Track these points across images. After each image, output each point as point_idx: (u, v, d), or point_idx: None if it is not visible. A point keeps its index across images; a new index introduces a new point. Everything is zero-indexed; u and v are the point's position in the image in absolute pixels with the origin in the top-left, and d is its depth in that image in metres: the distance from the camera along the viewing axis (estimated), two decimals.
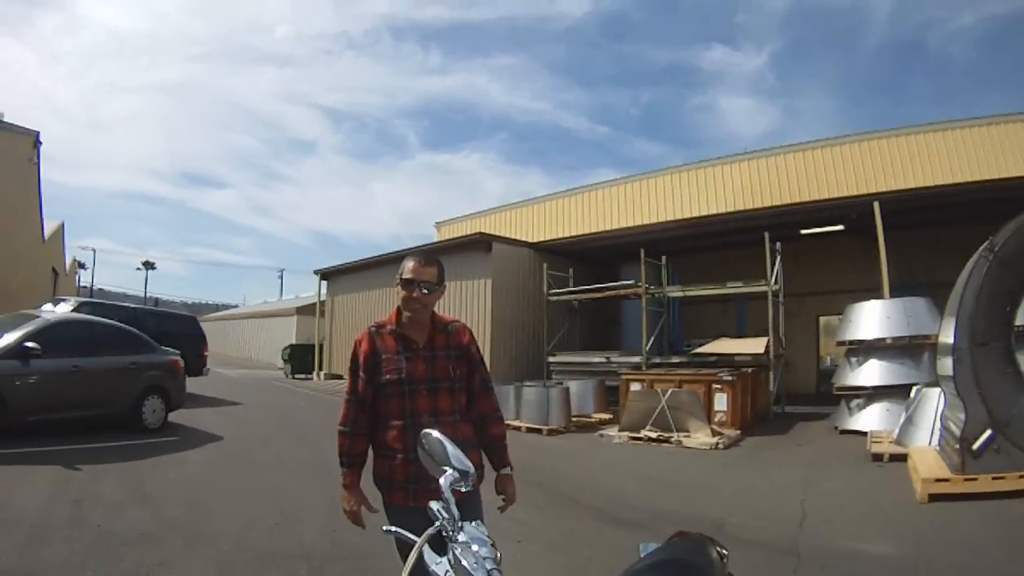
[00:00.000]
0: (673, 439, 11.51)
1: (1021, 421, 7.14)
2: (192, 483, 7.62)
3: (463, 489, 1.76)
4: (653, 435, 11.76)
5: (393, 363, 2.90)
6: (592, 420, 14.33)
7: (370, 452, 2.99)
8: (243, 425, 12.69)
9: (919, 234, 16.09)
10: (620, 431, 12.34)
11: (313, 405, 17.50)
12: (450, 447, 1.82)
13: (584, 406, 14.74)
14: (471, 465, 1.82)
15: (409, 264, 2.92)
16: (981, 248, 7.74)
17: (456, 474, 1.76)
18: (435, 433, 1.89)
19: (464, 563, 1.49)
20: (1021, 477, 6.87)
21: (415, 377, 2.89)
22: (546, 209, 25.63)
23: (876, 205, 13.89)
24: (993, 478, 6.90)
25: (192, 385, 13.56)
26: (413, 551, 1.57)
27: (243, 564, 4.96)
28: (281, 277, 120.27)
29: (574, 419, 13.82)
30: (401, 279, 2.91)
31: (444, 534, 1.60)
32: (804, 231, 17.37)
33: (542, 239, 22.74)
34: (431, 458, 1.86)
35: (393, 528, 1.92)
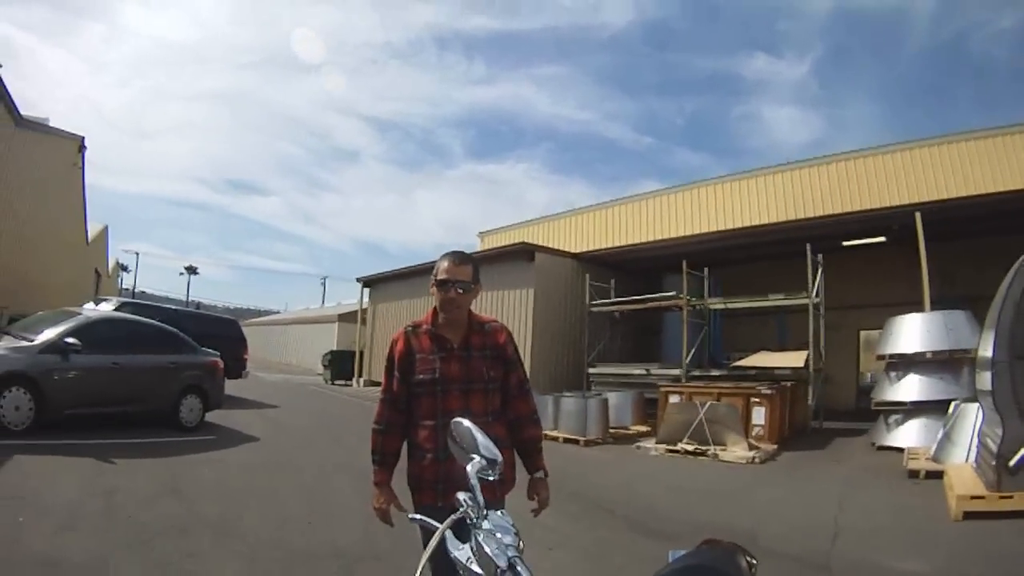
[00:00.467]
0: (710, 452, 11.50)
1: None
2: (226, 481, 7.77)
3: (490, 478, 1.77)
4: (690, 448, 11.75)
5: (427, 363, 2.91)
6: (630, 432, 14.35)
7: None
8: (280, 427, 12.90)
9: (962, 245, 15.75)
10: (657, 443, 12.36)
11: (351, 409, 17.69)
12: (480, 436, 1.83)
13: (622, 418, 14.76)
14: (499, 454, 1.83)
15: (444, 264, 2.92)
16: (1022, 257, 7.62)
17: (483, 462, 1.76)
18: (465, 422, 1.90)
19: (487, 549, 1.50)
20: None
21: (448, 377, 2.90)
22: (589, 220, 25.76)
23: (918, 216, 13.70)
24: None
25: (231, 387, 13.81)
26: (435, 536, 1.59)
27: (272, 561, 5.05)
28: (324, 284, 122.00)
29: (612, 430, 13.85)
30: (436, 279, 2.92)
31: (468, 521, 1.61)
32: (845, 243, 17.17)
33: (584, 250, 22.75)
34: (460, 447, 1.87)
35: (418, 516, 1.97)
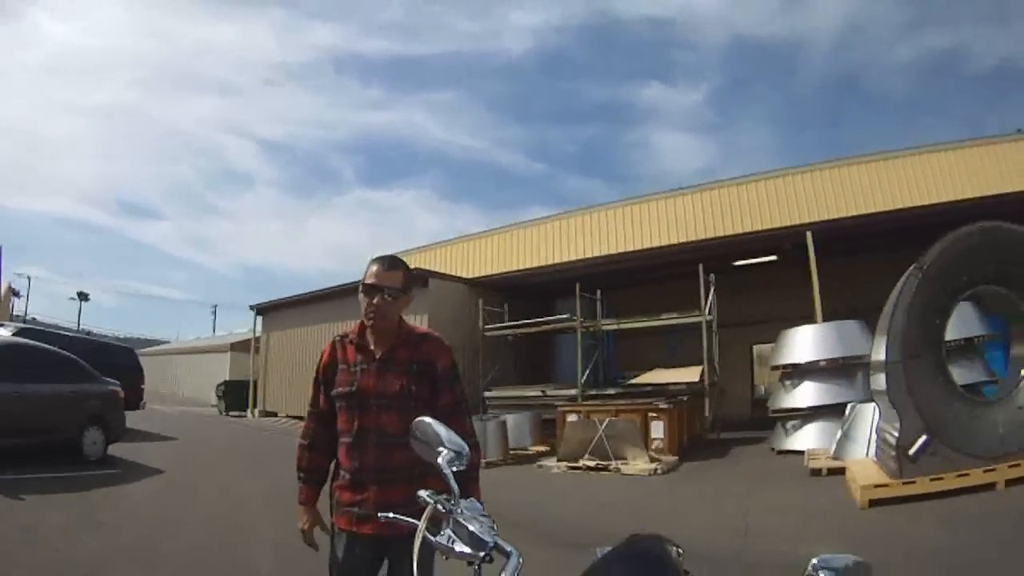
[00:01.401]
0: (612, 467, 11.45)
1: (954, 426, 7.43)
2: (142, 512, 7.59)
3: (455, 468, 1.72)
4: (592, 463, 11.68)
5: (347, 375, 2.69)
6: (529, 452, 14.21)
7: None
8: (184, 458, 12.49)
9: (852, 262, 16.51)
10: (559, 461, 12.25)
11: (250, 439, 17.26)
12: (443, 430, 1.80)
13: (521, 439, 14.60)
14: (465, 445, 1.79)
15: (372, 268, 2.67)
16: (911, 267, 8.08)
17: (451, 453, 1.74)
18: (427, 419, 1.86)
19: (471, 528, 1.50)
20: (959, 476, 7.10)
21: (366, 391, 2.66)
22: (481, 245, 25.63)
23: (809, 235, 14.24)
24: (931, 479, 7.10)
25: (128, 419, 13.03)
26: (417, 533, 1.57)
27: None
28: (215, 312, 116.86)
29: (512, 452, 13.69)
30: (362, 284, 2.67)
31: (444, 508, 1.59)
32: (737, 262, 17.71)
33: (477, 275, 22.65)
34: (423, 443, 1.83)
35: (390, 516, 1.85)
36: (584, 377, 16.66)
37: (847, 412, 10.37)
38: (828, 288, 14.23)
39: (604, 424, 12.10)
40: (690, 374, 15.42)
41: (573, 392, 16.42)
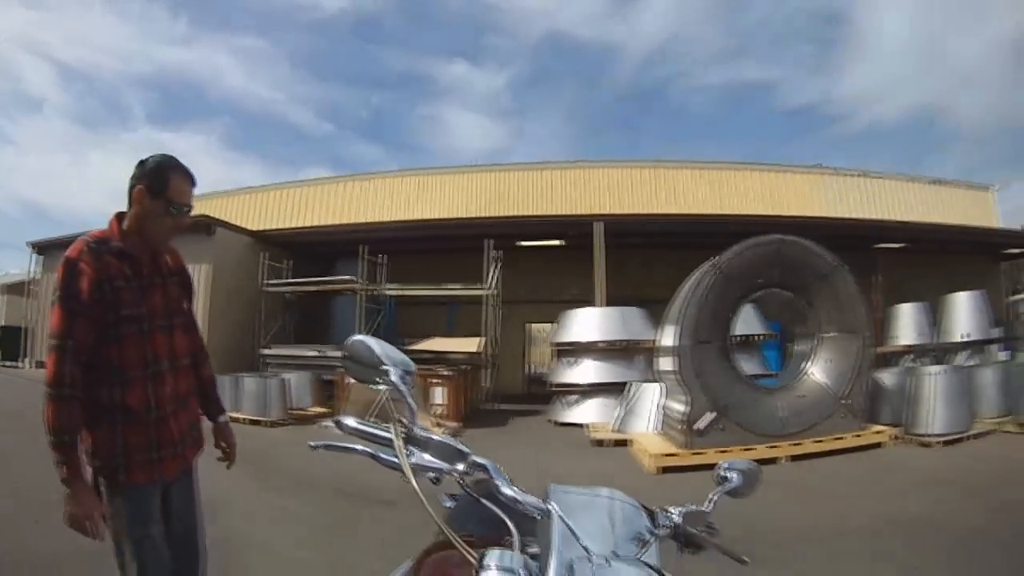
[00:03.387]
0: None
1: (739, 407, 8.48)
2: None
3: (409, 386, 1.47)
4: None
5: (129, 293, 2.28)
6: (309, 413, 13.83)
7: None
8: None
9: (634, 254, 17.91)
10: None
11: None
12: (375, 344, 1.51)
13: (302, 399, 14.18)
14: (409, 361, 1.52)
15: (182, 183, 2.34)
16: (708, 264, 9.06)
17: (400, 370, 1.48)
18: (359, 336, 1.53)
19: (447, 442, 1.37)
20: (745, 450, 8.08)
21: (152, 311, 2.34)
22: (264, 200, 24.48)
23: (596, 225, 15.27)
24: (717, 451, 7.95)
25: None
26: (400, 454, 1.32)
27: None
28: None
29: (292, 412, 13.28)
30: (166, 198, 2.30)
31: (403, 427, 1.39)
32: (522, 243, 18.46)
33: (261, 228, 21.63)
34: (362, 365, 1.51)
35: (321, 443, 1.50)
36: None
37: (630, 390, 11.23)
38: (610, 277, 15.29)
39: (381, 391, 12.07)
40: (470, 344, 15.82)
41: None
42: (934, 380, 9.36)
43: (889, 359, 14.07)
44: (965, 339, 13.14)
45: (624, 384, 11.60)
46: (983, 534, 5.05)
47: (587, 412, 12.69)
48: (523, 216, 18.98)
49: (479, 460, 1.32)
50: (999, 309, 16.30)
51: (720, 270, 8.74)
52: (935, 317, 14.03)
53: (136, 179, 2.30)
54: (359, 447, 1.42)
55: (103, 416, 2.22)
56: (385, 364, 1.46)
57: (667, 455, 8.18)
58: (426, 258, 20.51)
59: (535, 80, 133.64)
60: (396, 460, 1.32)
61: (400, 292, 18.01)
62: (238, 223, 22.21)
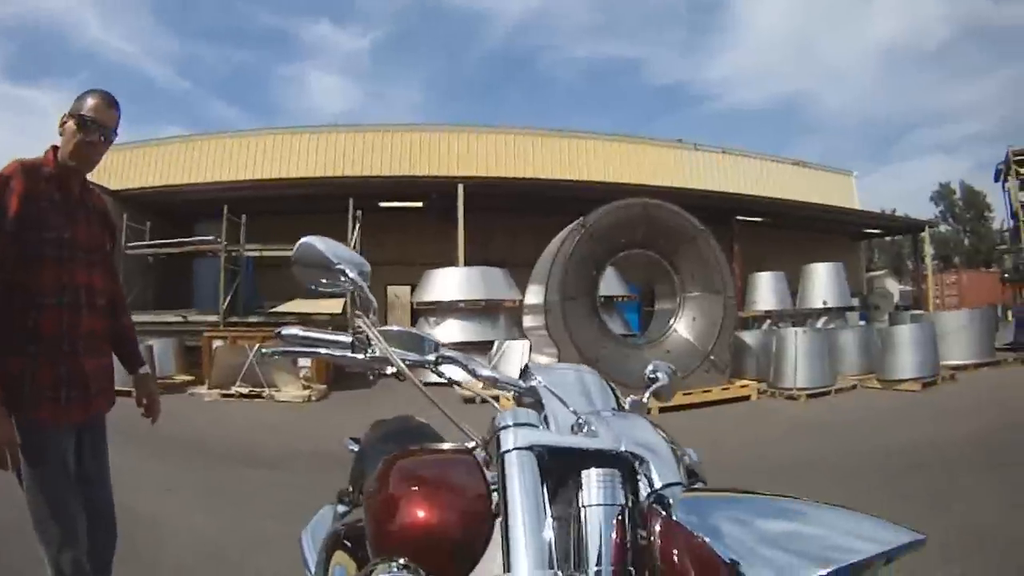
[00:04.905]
0: (265, 394, 11.39)
1: (608, 360, 8.78)
2: None
3: (367, 284, 1.41)
4: (244, 391, 11.47)
5: (56, 216, 2.25)
6: (175, 381, 13.24)
7: None
8: None
9: (497, 218, 18.16)
10: (210, 388, 11.80)
11: None
12: (321, 243, 1.40)
13: (165, 366, 13.53)
14: (364, 260, 1.46)
15: (92, 101, 2.29)
16: (574, 224, 9.48)
17: (356, 268, 1.41)
18: (309, 238, 1.40)
19: (417, 331, 1.42)
20: None
21: (76, 241, 2.31)
22: (123, 158, 22.97)
23: (460, 187, 15.39)
24: None
25: None
26: (391, 355, 1.31)
27: None
28: None
29: (158, 381, 12.68)
30: (80, 117, 2.27)
31: (364, 326, 1.36)
32: (383, 203, 18.38)
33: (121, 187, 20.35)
34: (314, 268, 1.39)
35: (276, 350, 1.43)
36: (226, 303, 16.10)
37: (496, 348, 11.60)
38: (471, 239, 15.56)
39: (255, 350, 11.95)
40: (334, 306, 15.73)
41: (215, 318, 15.69)
42: (796, 337, 10.12)
43: (749, 324, 14.93)
44: (824, 305, 14.33)
45: (490, 343, 11.96)
46: (859, 472, 5.61)
47: (452, 371, 12.83)
48: (385, 176, 18.84)
49: (449, 353, 1.37)
50: (858, 283, 18.26)
51: (587, 229, 9.16)
52: (795, 287, 15.22)
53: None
54: (321, 350, 1.39)
55: (14, 340, 2.16)
56: (340, 264, 1.38)
57: None
58: (288, 219, 19.86)
59: (397, 43, 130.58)
60: (360, 358, 1.35)
61: (261, 252, 17.53)
62: (96, 181, 20.88)
